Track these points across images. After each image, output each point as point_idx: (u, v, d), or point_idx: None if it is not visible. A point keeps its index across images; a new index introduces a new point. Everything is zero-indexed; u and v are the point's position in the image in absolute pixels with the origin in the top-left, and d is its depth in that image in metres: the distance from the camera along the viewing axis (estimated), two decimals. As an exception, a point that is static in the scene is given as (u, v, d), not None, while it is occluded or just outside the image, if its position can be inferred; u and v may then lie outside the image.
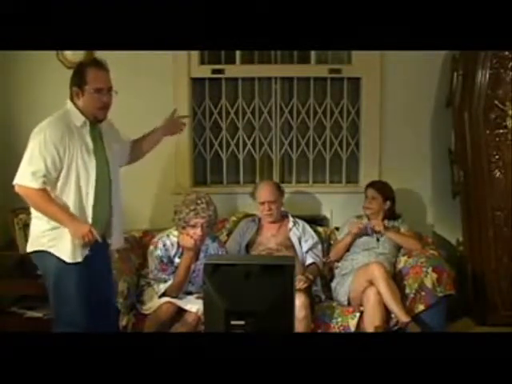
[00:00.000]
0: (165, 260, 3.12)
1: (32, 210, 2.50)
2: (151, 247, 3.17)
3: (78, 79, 2.46)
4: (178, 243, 3.14)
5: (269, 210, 3.40)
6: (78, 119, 2.47)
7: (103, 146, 2.55)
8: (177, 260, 3.13)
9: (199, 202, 3.08)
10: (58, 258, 2.44)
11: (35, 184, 2.35)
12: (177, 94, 3.75)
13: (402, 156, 3.82)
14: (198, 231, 3.05)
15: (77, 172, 2.43)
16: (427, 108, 3.79)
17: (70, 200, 2.43)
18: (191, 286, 3.13)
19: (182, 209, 3.08)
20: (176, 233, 3.15)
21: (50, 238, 2.44)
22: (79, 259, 2.46)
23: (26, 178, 2.35)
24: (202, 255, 3.16)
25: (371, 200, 3.47)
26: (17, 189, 2.40)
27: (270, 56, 3.85)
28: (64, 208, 2.42)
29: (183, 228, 3.08)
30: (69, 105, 2.49)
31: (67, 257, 2.44)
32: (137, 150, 2.80)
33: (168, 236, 3.17)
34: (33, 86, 3.64)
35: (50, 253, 2.44)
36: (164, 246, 3.14)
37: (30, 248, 2.52)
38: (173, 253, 3.14)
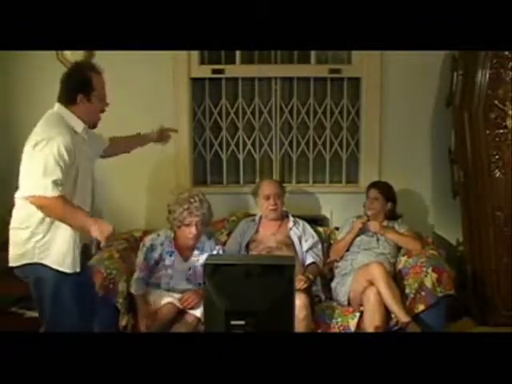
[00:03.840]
0: (146, 260, 3.13)
1: (13, 221, 2.40)
2: (141, 244, 3.21)
3: (84, 85, 2.40)
4: (169, 242, 3.16)
5: (274, 204, 3.40)
6: (78, 125, 2.40)
7: (89, 148, 2.51)
8: (167, 258, 3.14)
9: (192, 200, 3.10)
10: (53, 269, 2.36)
11: (56, 192, 2.26)
12: (177, 94, 3.75)
13: (401, 156, 3.82)
14: (193, 230, 3.07)
15: (82, 178, 2.40)
16: (427, 108, 3.80)
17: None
18: (188, 284, 3.14)
19: (176, 208, 3.10)
20: (169, 232, 3.18)
21: (42, 250, 2.36)
22: (78, 269, 2.40)
23: (46, 188, 2.26)
24: (196, 252, 3.16)
25: (373, 200, 3.48)
26: (34, 200, 2.29)
27: (270, 56, 3.85)
28: (84, 211, 2.38)
29: (178, 227, 3.10)
30: (62, 109, 2.41)
31: (67, 267, 2.37)
32: (115, 147, 2.76)
33: (158, 236, 3.19)
34: (33, 85, 3.65)
35: (43, 264, 2.36)
36: (151, 245, 3.16)
37: (18, 261, 2.40)
38: (158, 253, 3.14)
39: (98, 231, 2.31)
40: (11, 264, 2.43)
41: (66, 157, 2.29)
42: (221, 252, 3.23)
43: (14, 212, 2.42)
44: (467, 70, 3.45)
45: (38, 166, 2.27)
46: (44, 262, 2.36)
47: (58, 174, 2.27)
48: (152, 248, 3.16)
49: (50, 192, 2.26)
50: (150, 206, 3.78)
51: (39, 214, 2.33)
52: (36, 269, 2.38)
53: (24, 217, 2.37)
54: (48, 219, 2.35)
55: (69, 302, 2.38)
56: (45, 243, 2.36)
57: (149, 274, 3.14)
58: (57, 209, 2.30)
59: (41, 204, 2.30)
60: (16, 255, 2.41)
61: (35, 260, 2.36)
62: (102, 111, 2.49)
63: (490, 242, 3.52)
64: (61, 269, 2.37)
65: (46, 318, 2.46)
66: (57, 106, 2.43)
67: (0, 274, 3.37)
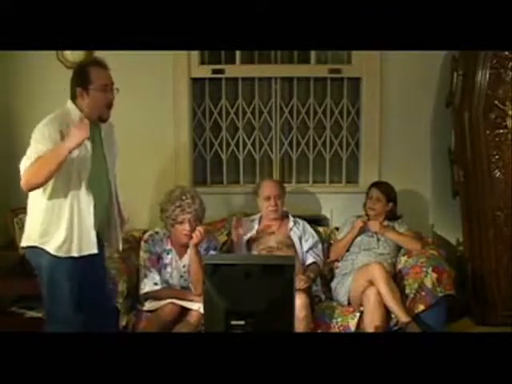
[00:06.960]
0: (151, 254, 3.14)
1: (28, 207, 2.49)
2: (142, 243, 3.21)
3: (81, 79, 2.45)
4: (166, 240, 3.17)
5: (274, 205, 3.40)
6: (77, 117, 2.43)
7: (102, 146, 2.54)
8: (165, 256, 3.15)
9: (184, 197, 3.11)
10: (50, 254, 2.43)
11: (28, 161, 2.33)
12: (177, 94, 3.75)
13: (401, 156, 3.82)
14: (187, 227, 3.07)
15: (77, 170, 2.40)
16: (427, 108, 3.79)
17: (66, 201, 2.42)
18: (184, 282, 3.14)
19: (168, 206, 3.12)
20: (166, 230, 3.19)
21: (43, 235, 2.42)
22: (76, 254, 2.45)
23: (23, 164, 2.34)
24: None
25: (375, 201, 3.47)
26: (23, 181, 2.36)
27: (269, 56, 3.85)
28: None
29: (172, 226, 3.10)
30: (69, 104, 2.47)
31: (65, 254, 2.42)
32: None
33: (157, 233, 3.21)
34: (33, 86, 3.64)
35: (43, 249, 2.43)
36: (153, 241, 3.17)
37: (24, 242, 2.51)
38: (160, 250, 3.16)
39: (72, 138, 2.28)
40: (21, 244, 2.54)
41: (49, 145, 2.31)
42: (217, 246, 3.23)
43: (28, 198, 2.50)
44: (467, 69, 3.44)
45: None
46: (44, 247, 2.43)
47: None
48: (153, 242, 3.16)
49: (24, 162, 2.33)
50: (150, 207, 3.78)
51: (42, 201, 2.41)
52: (37, 253, 2.45)
53: (31, 203, 2.46)
54: (51, 206, 2.41)
55: (64, 289, 2.44)
56: (45, 228, 2.42)
57: (155, 268, 3.13)
58: (33, 168, 2.31)
59: (24, 178, 2.33)
60: (24, 237, 2.51)
61: (36, 244, 2.44)
62: (108, 105, 2.49)
63: (489, 242, 3.52)
64: (59, 255, 2.42)
65: (46, 306, 2.52)
66: (68, 102, 2.50)
67: (0, 274, 3.39)
